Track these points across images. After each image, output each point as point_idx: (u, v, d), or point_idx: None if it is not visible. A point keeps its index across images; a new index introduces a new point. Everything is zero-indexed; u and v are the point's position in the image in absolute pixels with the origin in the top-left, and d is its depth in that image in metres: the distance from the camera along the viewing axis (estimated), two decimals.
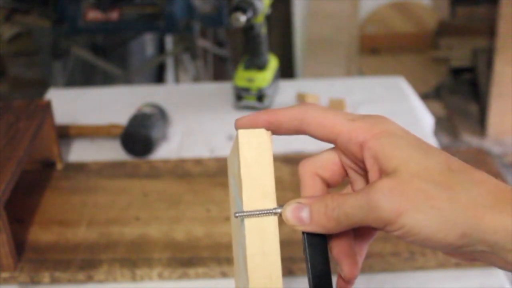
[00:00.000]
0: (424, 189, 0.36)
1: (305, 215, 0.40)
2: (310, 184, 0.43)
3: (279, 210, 0.40)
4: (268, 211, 0.39)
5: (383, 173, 0.38)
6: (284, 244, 0.42)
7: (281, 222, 0.40)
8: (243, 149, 0.40)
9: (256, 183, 0.40)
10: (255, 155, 0.40)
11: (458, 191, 0.36)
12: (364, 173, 0.42)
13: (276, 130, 0.42)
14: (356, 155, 0.40)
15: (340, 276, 0.42)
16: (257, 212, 0.39)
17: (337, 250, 0.42)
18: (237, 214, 0.39)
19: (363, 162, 0.40)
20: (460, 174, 0.37)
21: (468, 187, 0.36)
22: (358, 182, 0.43)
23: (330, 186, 0.44)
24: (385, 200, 0.36)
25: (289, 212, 0.40)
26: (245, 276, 0.39)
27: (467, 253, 0.37)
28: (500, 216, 0.35)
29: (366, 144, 0.39)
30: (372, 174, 0.39)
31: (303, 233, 0.41)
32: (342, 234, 0.41)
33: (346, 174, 0.43)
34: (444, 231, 0.35)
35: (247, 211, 0.39)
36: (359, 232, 0.43)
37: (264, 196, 0.40)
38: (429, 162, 0.37)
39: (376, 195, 0.37)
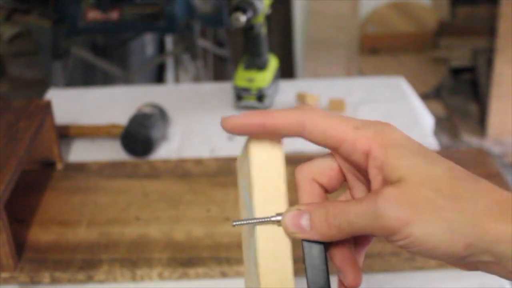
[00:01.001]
0: (431, 198, 0.35)
1: (305, 223, 0.38)
2: (308, 190, 0.41)
3: (278, 218, 0.39)
4: (266, 219, 0.39)
5: (387, 183, 0.37)
6: None
7: None
8: (254, 157, 0.39)
9: (267, 190, 0.39)
10: (266, 164, 0.39)
11: (466, 201, 0.35)
12: (364, 179, 0.41)
13: (271, 135, 0.40)
14: (360, 163, 0.39)
15: (342, 284, 0.41)
16: (255, 221, 0.39)
17: (339, 258, 0.41)
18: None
19: (366, 170, 0.39)
20: (466, 183, 0.36)
21: (475, 197, 0.35)
22: (358, 188, 0.42)
23: (328, 191, 0.42)
24: (392, 209, 0.35)
25: (288, 219, 0.38)
26: (256, 280, 0.39)
27: (471, 263, 0.36)
28: (506, 226, 0.34)
29: (371, 154, 0.38)
30: (375, 183, 0.38)
31: (302, 241, 0.39)
32: (343, 241, 0.40)
33: (344, 179, 0.42)
34: (449, 242, 0.35)
35: (245, 219, 0.39)
36: (357, 238, 0.42)
37: (275, 203, 0.39)
38: (434, 170, 0.36)
39: (382, 203, 0.35)
